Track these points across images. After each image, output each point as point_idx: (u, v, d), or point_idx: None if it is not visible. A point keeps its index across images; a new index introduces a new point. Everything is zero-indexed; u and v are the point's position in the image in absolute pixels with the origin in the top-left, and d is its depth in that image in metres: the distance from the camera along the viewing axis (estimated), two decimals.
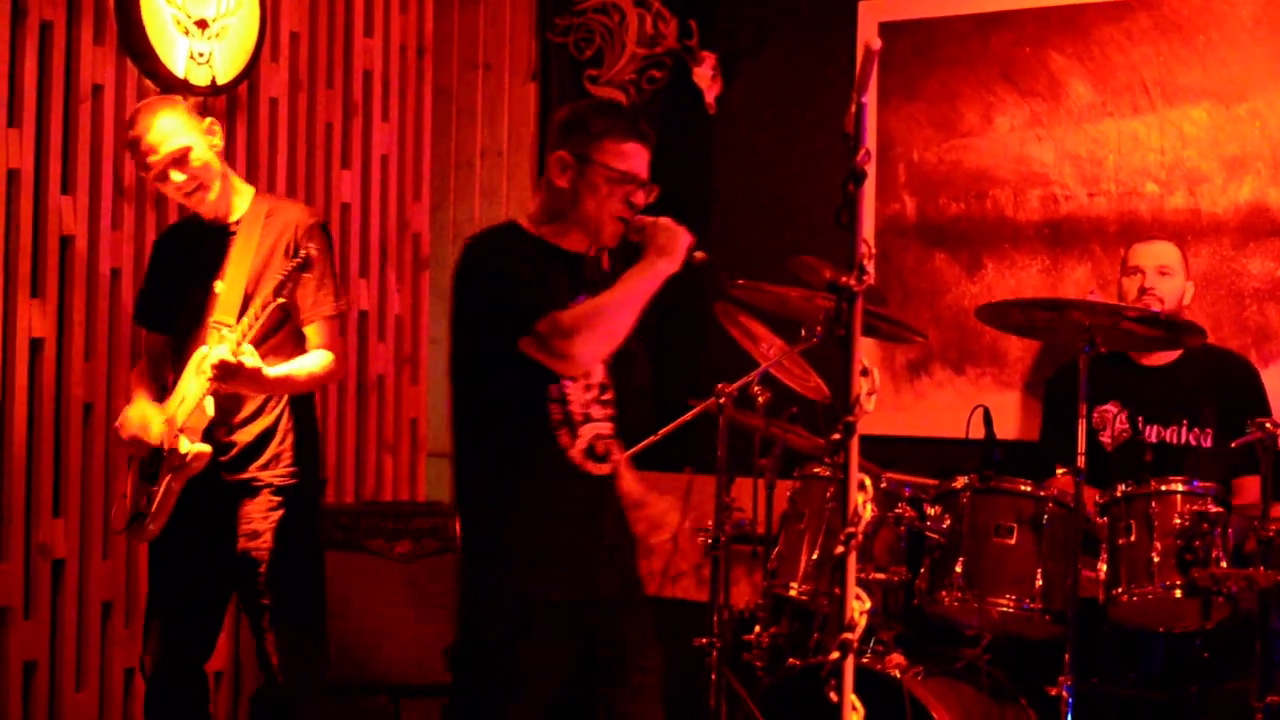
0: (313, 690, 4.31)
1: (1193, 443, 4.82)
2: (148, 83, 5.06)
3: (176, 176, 4.21)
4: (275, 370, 4.15)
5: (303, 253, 4.05)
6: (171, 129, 4.20)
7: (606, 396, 3.60)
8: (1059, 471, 4.57)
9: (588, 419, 3.54)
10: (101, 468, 4.95)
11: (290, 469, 4.26)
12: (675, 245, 3.49)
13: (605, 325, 3.41)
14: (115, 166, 4.98)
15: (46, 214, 4.81)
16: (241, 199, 4.35)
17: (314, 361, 4.26)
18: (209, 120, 4.31)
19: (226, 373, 4.01)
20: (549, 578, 3.48)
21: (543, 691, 3.49)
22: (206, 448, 4.14)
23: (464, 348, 3.56)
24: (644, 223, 3.53)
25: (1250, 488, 4.54)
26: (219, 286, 4.22)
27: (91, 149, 4.92)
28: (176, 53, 5.07)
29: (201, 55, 5.14)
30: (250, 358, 4.02)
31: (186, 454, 4.12)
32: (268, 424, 4.26)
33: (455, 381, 3.59)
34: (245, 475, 4.23)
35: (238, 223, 4.30)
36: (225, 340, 4.05)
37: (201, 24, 5.14)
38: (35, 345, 4.79)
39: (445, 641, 5.24)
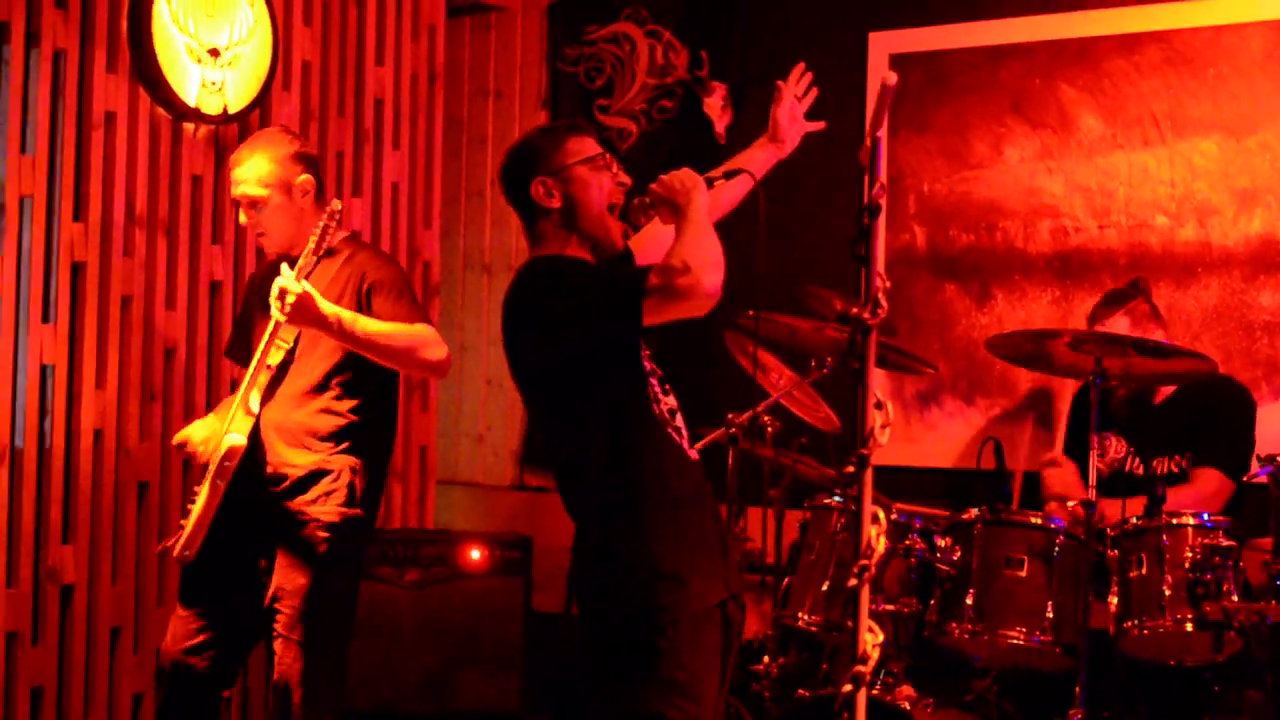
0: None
1: (1174, 470, 4.82)
2: (160, 110, 5.08)
3: (242, 218, 4.29)
4: (339, 310, 4.03)
5: (332, 201, 4.04)
6: (257, 174, 4.22)
7: (668, 386, 3.52)
8: (1070, 503, 4.56)
9: (673, 412, 3.48)
10: (111, 494, 4.95)
11: (340, 509, 4.19)
12: (690, 181, 3.41)
13: (704, 245, 3.30)
14: (127, 194, 4.99)
15: (58, 241, 4.82)
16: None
17: (399, 325, 4.14)
18: (304, 178, 4.25)
19: (282, 296, 3.91)
20: (707, 582, 3.37)
21: (712, 692, 3.40)
22: (241, 440, 4.10)
23: (565, 359, 3.37)
24: (648, 195, 3.44)
25: (1205, 479, 4.68)
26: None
27: (104, 176, 4.94)
28: (189, 81, 5.08)
29: (214, 83, 5.16)
30: (305, 286, 3.93)
31: (223, 449, 4.11)
32: (323, 458, 4.22)
33: (552, 403, 3.44)
34: (294, 506, 4.20)
35: (317, 263, 4.23)
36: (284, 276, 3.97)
37: (214, 52, 5.16)
38: (46, 371, 4.79)
39: (453, 668, 5.29)
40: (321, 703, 4.21)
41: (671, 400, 3.48)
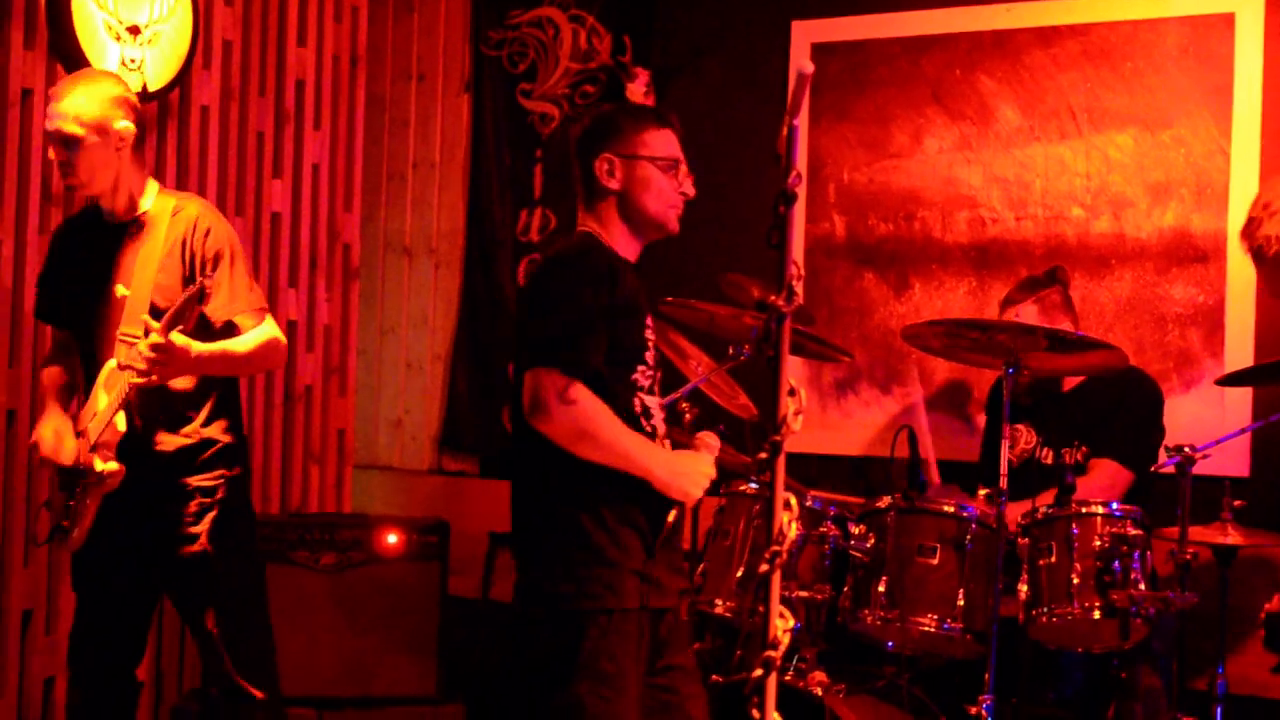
0: (272, 684, 4.24)
1: (1079, 460, 4.86)
2: None
3: (51, 154, 4.17)
4: (207, 347, 4.01)
5: (198, 281, 3.89)
6: (76, 111, 4.07)
7: (658, 375, 3.64)
8: (981, 493, 4.61)
9: (651, 411, 3.59)
10: (23, 476, 4.90)
11: (218, 473, 4.18)
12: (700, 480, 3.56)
13: (605, 448, 3.42)
14: (44, 172, 4.93)
15: None
16: (145, 196, 4.21)
17: (252, 336, 4.14)
18: (124, 124, 4.12)
19: (159, 359, 3.87)
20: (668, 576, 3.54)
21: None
22: (118, 466, 4.06)
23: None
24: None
25: (1100, 470, 4.74)
26: (120, 290, 4.07)
27: (20, 154, 4.88)
28: (108, 58, 5.03)
29: (133, 61, 5.11)
30: (177, 337, 3.88)
31: (102, 472, 4.06)
32: (193, 428, 4.18)
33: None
34: (170, 481, 4.17)
35: (138, 221, 4.18)
36: (139, 343, 3.90)
37: (134, 30, 5.11)
38: None
39: (370, 653, 5.28)
40: (258, 662, 4.21)
41: (656, 397, 3.62)
